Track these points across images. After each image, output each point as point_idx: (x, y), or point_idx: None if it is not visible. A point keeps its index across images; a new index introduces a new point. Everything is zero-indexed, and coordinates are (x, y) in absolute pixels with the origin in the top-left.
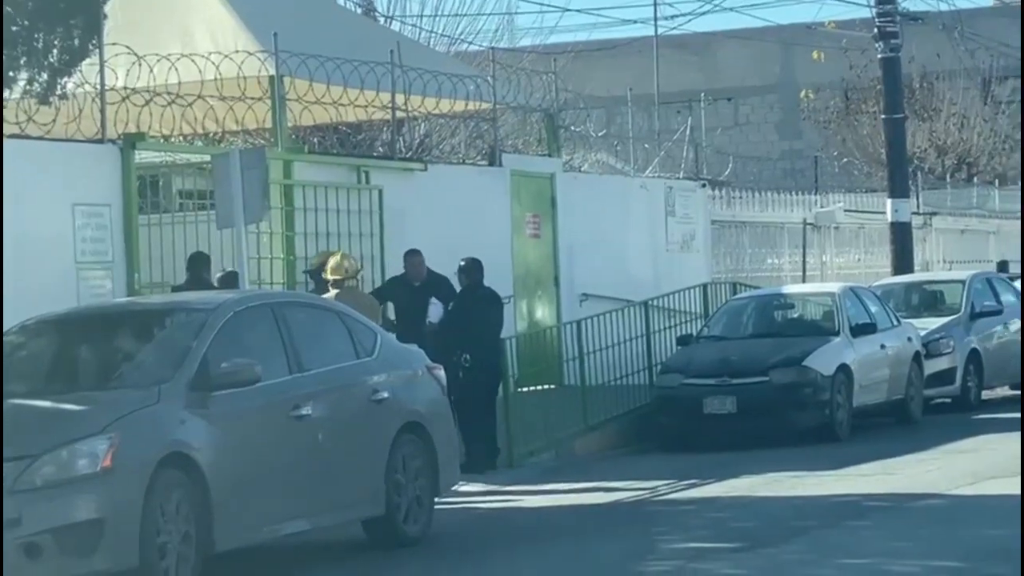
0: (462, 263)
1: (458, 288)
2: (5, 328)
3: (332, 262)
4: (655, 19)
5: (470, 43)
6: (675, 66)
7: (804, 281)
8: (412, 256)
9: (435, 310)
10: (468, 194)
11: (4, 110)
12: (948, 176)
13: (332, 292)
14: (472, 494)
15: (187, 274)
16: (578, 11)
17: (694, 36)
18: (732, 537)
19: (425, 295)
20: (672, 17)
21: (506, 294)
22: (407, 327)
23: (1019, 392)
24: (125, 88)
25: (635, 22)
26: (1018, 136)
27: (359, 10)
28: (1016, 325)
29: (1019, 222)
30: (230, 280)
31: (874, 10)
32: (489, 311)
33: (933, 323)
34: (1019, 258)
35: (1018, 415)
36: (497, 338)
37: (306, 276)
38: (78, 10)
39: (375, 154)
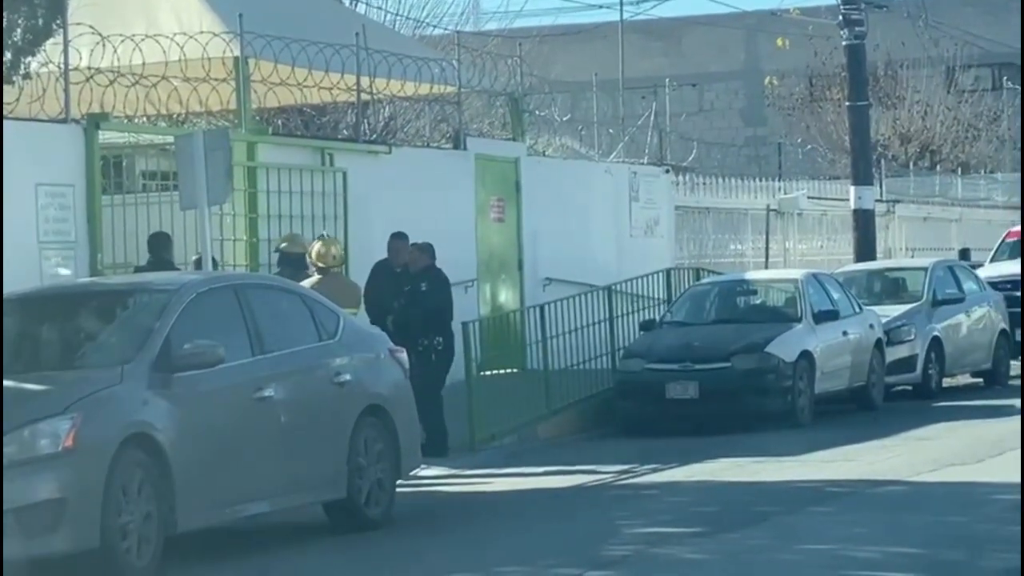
0: (416, 245)
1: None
2: None
3: (317, 248)
4: (621, 4)
5: (435, 26)
6: (640, 51)
7: (767, 267)
8: (395, 240)
9: None
10: (432, 177)
11: None
12: (911, 164)
13: (316, 278)
14: (434, 478)
15: (149, 255)
16: None
17: (660, 21)
18: (694, 522)
19: (405, 281)
20: (638, 2)
21: (470, 278)
22: (377, 312)
23: (979, 380)
24: (89, 68)
25: (601, 7)
26: (980, 125)
27: None
28: (978, 313)
29: (980, 210)
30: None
31: None
32: (445, 292)
33: (895, 310)
34: (982, 246)
35: (978, 403)
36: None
37: (278, 256)
38: None
39: (339, 137)
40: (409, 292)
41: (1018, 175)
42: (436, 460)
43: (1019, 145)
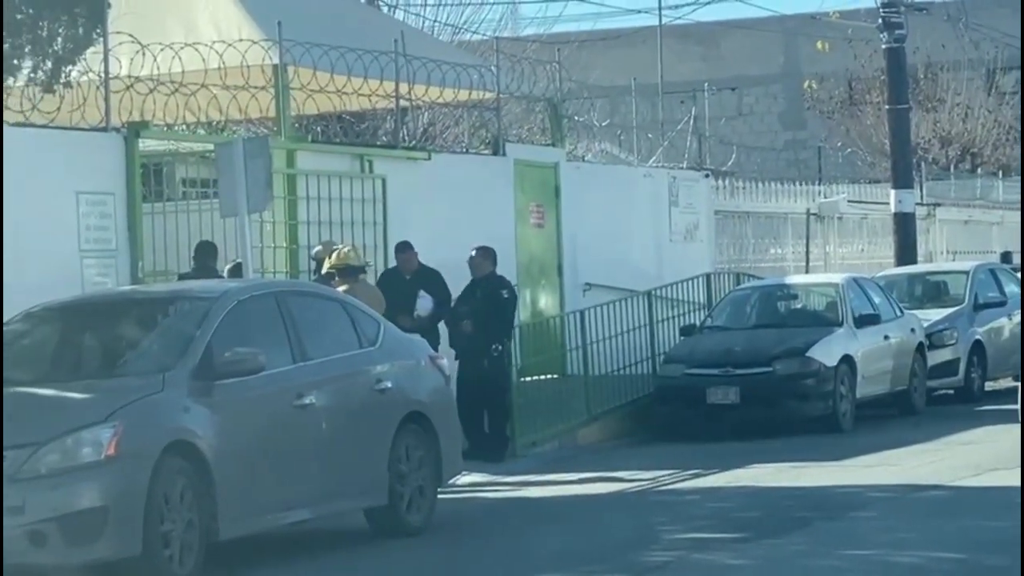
0: (479, 251)
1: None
2: (8, 317)
3: (335, 256)
4: (659, 9)
5: (474, 32)
6: (679, 56)
7: (807, 272)
8: (403, 250)
9: (424, 303)
10: (472, 183)
11: (8, 98)
12: (952, 167)
13: (343, 286)
14: (475, 484)
15: (193, 263)
16: (582, 1)
17: (698, 26)
18: (735, 527)
19: (416, 288)
20: (677, 7)
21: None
22: (396, 319)
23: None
24: (129, 76)
25: (639, 12)
26: (1021, 127)
27: None
28: (1020, 316)
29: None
30: (236, 271)
31: (879, 0)
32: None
33: (936, 314)
34: (1020, 249)
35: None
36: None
37: (315, 263)
38: None
39: (379, 143)
40: (484, 298)
41: None
42: (483, 466)
43: None
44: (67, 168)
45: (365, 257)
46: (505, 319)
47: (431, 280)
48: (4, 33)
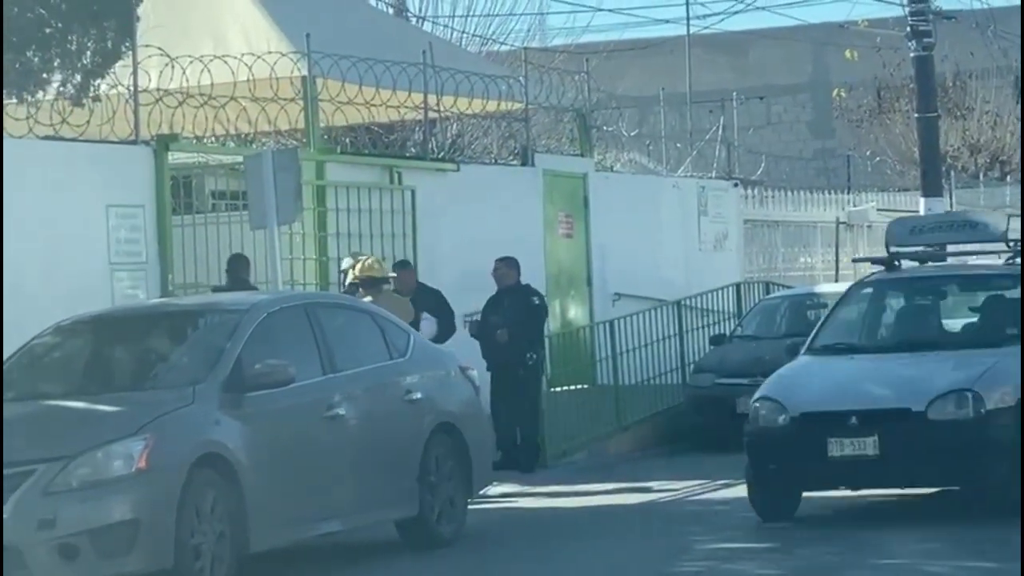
0: (504, 261)
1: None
2: (39, 330)
3: (360, 266)
4: (687, 18)
5: (502, 43)
6: (707, 65)
7: (837, 280)
8: (402, 268)
9: (427, 325)
10: (500, 194)
11: (38, 112)
12: (981, 175)
13: (367, 297)
14: (505, 495)
15: (227, 276)
16: (610, 11)
17: (726, 35)
18: (766, 537)
19: (415, 308)
20: (704, 16)
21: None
22: None
23: None
24: (158, 89)
25: (667, 21)
26: None
27: (391, 11)
28: None
29: None
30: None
31: (907, 8)
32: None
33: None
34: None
35: None
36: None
37: (341, 276)
38: (111, 12)
39: (407, 154)
40: (513, 307)
41: None
42: (513, 476)
43: None
44: (97, 181)
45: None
46: (538, 327)
47: (431, 300)
48: (34, 47)
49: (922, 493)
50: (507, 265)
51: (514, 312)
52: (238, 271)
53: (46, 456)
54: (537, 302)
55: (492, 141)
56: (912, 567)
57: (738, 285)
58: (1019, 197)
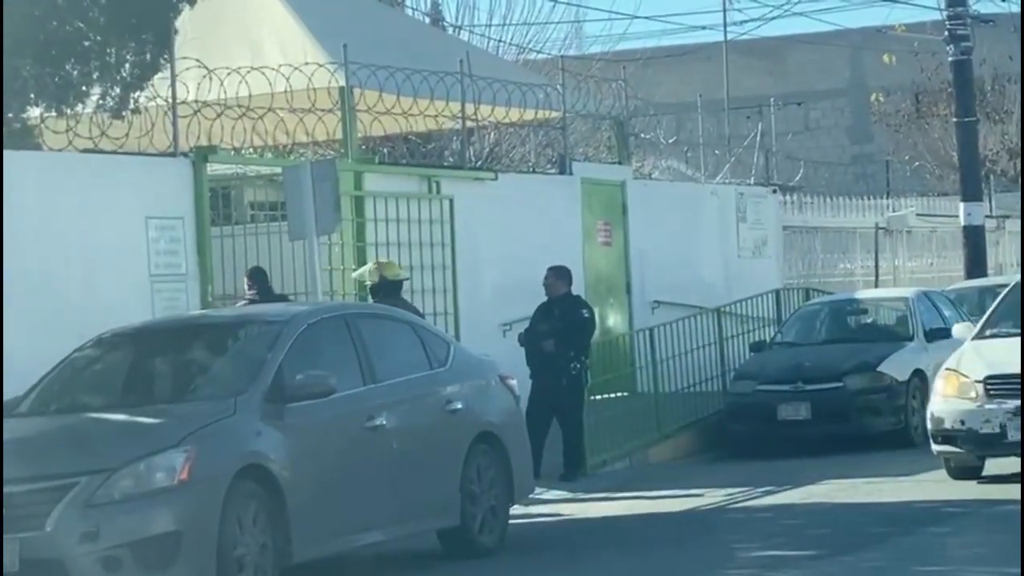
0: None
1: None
2: (80, 343)
3: (372, 270)
4: (724, 25)
5: (539, 52)
6: (744, 71)
7: (877, 286)
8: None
9: None
10: (539, 202)
11: (77, 125)
12: (1020, 179)
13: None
14: (547, 502)
15: (254, 290)
16: (647, 18)
17: (763, 41)
18: (809, 545)
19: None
20: (741, 22)
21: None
22: None
23: None
24: (196, 101)
25: (704, 28)
26: None
27: (427, 20)
28: None
29: None
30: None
31: (945, 13)
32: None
33: None
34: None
35: None
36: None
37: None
38: (149, 25)
39: (445, 164)
40: (563, 318)
41: None
42: (555, 485)
43: None
44: (136, 193)
45: (410, 273)
46: (585, 340)
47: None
48: (73, 60)
49: (963, 499)
50: (556, 275)
51: (563, 322)
52: (262, 282)
53: (89, 468)
54: (587, 315)
55: (530, 150)
56: (956, 573)
57: (777, 292)
58: None
